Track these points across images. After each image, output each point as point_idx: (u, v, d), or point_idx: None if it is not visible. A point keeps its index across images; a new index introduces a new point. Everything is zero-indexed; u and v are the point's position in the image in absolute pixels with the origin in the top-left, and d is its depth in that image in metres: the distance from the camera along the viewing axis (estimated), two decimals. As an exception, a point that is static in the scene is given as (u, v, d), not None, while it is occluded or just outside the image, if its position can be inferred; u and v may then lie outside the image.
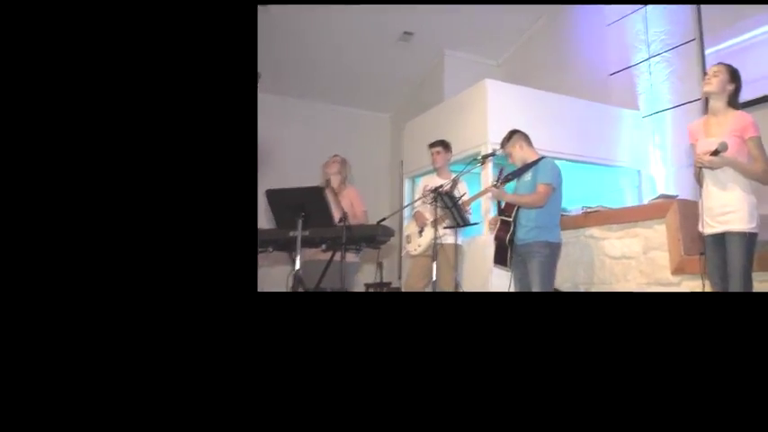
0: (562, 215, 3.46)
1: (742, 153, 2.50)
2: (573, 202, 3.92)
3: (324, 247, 3.33)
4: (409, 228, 4.34)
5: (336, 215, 3.18)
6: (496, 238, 3.35)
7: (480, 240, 4.14)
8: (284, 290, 3.01)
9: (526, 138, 3.42)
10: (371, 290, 6.66)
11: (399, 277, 6.99)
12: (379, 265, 7.23)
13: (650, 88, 4.91)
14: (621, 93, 5.09)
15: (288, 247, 3.17)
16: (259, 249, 3.09)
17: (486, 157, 3.67)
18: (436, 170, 4.29)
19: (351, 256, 3.60)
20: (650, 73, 4.91)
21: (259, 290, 2.25)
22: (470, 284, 3.98)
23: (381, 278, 7.24)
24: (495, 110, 4.26)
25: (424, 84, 7.03)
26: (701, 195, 2.61)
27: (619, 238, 3.67)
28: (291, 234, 2.99)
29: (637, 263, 3.54)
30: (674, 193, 3.86)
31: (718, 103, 2.60)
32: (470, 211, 3.79)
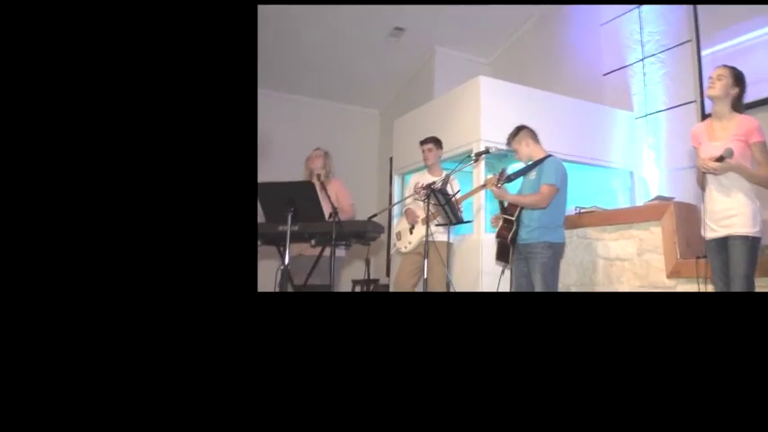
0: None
1: (746, 157, 2.45)
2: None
3: (313, 242, 3.26)
4: (399, 225, 4.26)
5: (326, 210, 3.12)
6: (498, 237, 3.29)
7: (471, 239, 4.07)
8: (272, 284, 2.93)
9: (533, 134, 3.35)
10: (359, 286, 6.58)
11: (387, 274, 6.92)
12: (367, 262, 7.17)
13: (644, 89, 4.87)
14: (615, 93, 5.06)
15: (276, 241, 3.12)
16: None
17: (479, 154, 3.60)
18: (427, 167, 4.22)
19: (340, 252, 3.52)
20: (644, 74, 4.88)
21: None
22: (461, 283, 3.91)
23: (368, 275, 7.18)
24: (488, 107, 4.18)
25: (413, 80, 6.96)
26: (703, 200, 2.57)
27: (613, 240, 3.62)
28: (281, 228, 2.95)
29: (631, 265, 3.49)
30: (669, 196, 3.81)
31: (721, 107, 2.56)
32: (462, 209, 3.72)
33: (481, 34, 6.30)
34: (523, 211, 3.19)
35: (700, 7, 4.46)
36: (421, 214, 3.99)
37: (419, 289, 4.10)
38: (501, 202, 3.35)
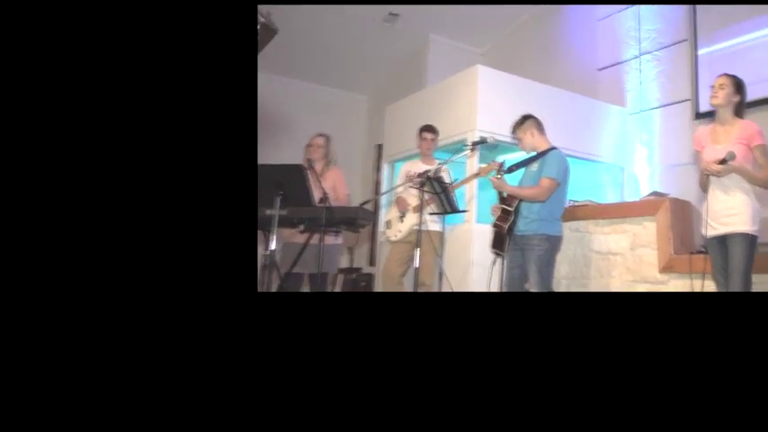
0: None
1: (747, 160, 2.57)
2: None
3: (301, 227, 3.17)
4: (390, 213, 4.19)
5: (317, 195, 3.03)
6: (495, 226, 3.25)
7: (462, 229, 4.02)
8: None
9: (539, 125, 3.30)
10: (341, 275, 6.50)
11: (371, 263, 6.86)
12: (350, 250, 7.08)
13: (639, 86, 4.86)
14: (609, 89, 5.04)
15: (263, 225, 3.00)
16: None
17: (476, 144, 3.53)
18: (421, 155, 4.15)
19: (331, 239, 3.44)
20: (640, 71, 4.87)
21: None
22: (450, 273, 3.86)
23: (351, 263, 7.10)
24: (484, 97, 4.13)
25: (406, 67, 6.86)
26: (705, 200, 2.68)
27: (605, 234, 3.61)
28: (268, 212, 2.83)
29: (623, 259, 3.48)
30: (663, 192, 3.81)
31: (724, 113, 2.68)
32: (456, 198, 3.66)
33: (477, 24, 6.23)
34: (522, 203, 3.16)
35: (699, 6, 4.46)
36: (412, 202, 3.94)
37: (408, 278, 4.06)
38: (500, 192, 3.30)
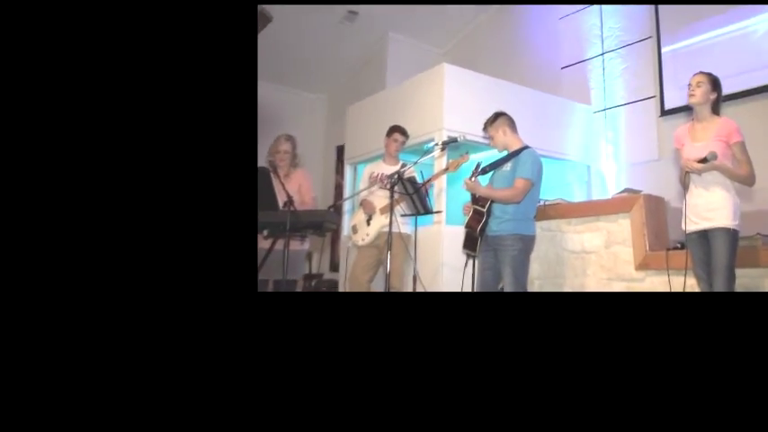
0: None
1: (727, 156, 2.59)
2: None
3: (265, 233, 2.97)
4: (356, 217, 4.02)
5: (281, 199, 2.88)
6: (467, 227, 3.13)
7: (432, 230, 3.89)
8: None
9: (512, 123, 3.18)
10: (302, 281, 6.27)
11: (332, 269, 6.66)
12: (309, 256, 6.83)
13: (603, 84, 4.85)
14: (573, 87, 5.03)
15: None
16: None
17: (446, 143, 3.38)
18: (385, 156, 3.99)
19: (296, 244, 3.24)
20: (604, 68, 4.86)
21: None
22: (421, 275, 3.71)
23: (310, 270, 6.86)
24: (451, 96, 4.02)
25: (365, 66, 6.70)
26: (684, 197, 2.70)
27: (578, 233, 3.55)
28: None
29: (598, 257, 3.42)
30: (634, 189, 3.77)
31: (702, 111, 2.70)
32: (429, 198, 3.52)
33: (437, 23, 6.14)
34: (495, 203, 3.03)
35: (661, 5, 4.46)
36: (378, 205, 3.78)
37: (375, 283, 3.90)
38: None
